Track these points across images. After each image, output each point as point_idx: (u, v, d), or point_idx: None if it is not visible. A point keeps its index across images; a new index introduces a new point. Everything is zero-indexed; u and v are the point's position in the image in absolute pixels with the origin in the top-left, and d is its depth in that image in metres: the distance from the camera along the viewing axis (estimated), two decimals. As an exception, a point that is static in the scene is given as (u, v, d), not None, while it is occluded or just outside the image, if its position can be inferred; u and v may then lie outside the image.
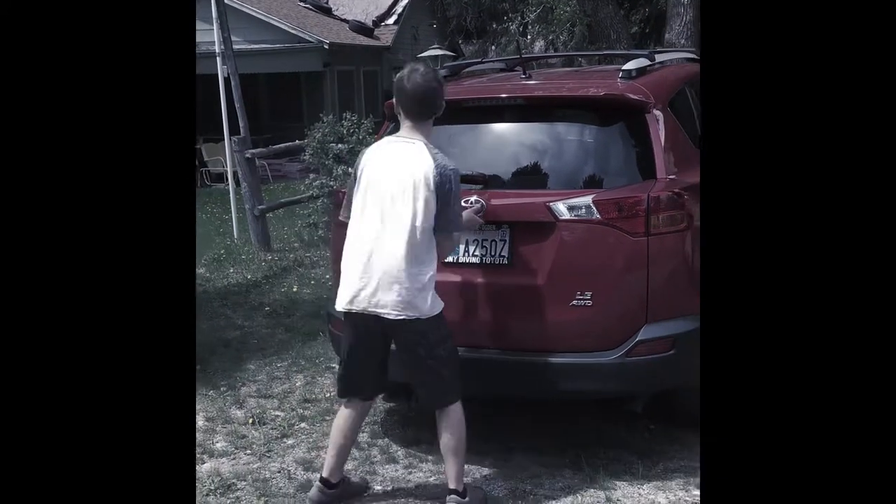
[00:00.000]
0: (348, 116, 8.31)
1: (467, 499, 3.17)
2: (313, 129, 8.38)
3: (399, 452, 3.78)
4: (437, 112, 3.16)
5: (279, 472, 3.64)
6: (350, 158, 7.96)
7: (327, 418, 4.18)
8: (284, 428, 4.08)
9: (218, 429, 4.09)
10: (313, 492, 3.30)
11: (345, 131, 8.14)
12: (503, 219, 3.49)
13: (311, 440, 3.94)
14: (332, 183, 7.96)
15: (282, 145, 9.35)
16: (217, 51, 8.87)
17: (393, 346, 3.22)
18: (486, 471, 3.54)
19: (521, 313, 3.45)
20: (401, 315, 3.04)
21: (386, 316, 3.05)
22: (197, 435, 4.00)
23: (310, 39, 16.28)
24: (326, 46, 16.25)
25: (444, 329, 3.15)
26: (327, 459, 3.32)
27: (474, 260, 3.51)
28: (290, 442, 3.94)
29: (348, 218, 3.19)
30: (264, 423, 4.13)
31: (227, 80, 8.43)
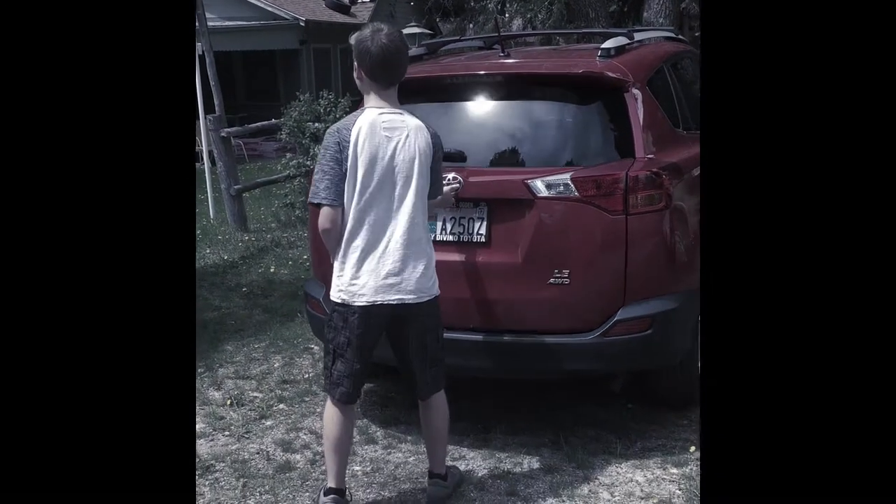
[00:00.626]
0: (325, 95, 8.24)
1: (448, 481, 3.17)
2: (290, 107, 8.30)
3: (378, 433, 3.78)
4: (402, 78, 2.92)
5: (258, 453, 3.62)
6: (327, 137, 7.93)
7: (306, 399, 4.17)
8: (263, 409, 4.06)
9: (196, 410, 4.06)
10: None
11: (322, 110, 8.06)
12: (481, 196, 3.47)
13: (289, 421, 3.93)
14: (308, 162, 7.90)
15: (258, 124, 9.26)
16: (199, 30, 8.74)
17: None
18: (465, 451, 3.55)
19: (497, 292, 3.44)
20: (424, 297, 2.89)
21: (412, 301, 2.87)
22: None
23: (285, 17, 16.10)
24: (302, 24, 16.08)
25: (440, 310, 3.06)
26: (338, 468, 3.04)
27: (451, 238, 3.49)
28: (268, 423, 3.93)
29: (340, 203, 2.84)
30: (242, 405, 4.12)
31: (201, 58, 8.31)
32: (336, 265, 2.94)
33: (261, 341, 5.03)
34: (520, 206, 3.40)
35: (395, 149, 2.82)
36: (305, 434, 3.79)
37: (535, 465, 3.41)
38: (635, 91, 3.63)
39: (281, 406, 4.11)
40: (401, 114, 2.88)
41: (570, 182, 3.33)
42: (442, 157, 3.01)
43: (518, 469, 3.38)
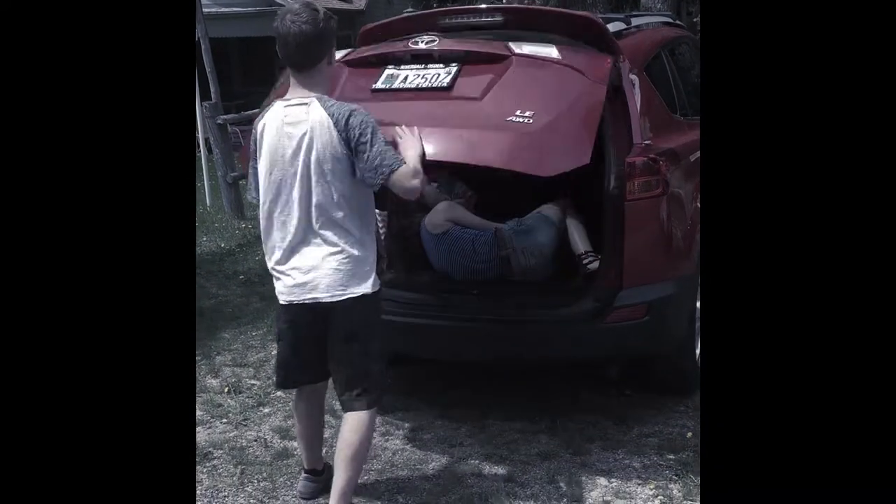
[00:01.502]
0: (322, 81, 8.20)
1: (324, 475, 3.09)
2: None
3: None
4: (315, 61, 2.70)
5: (255, 440, 3.63)
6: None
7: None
8: (260, 396, 4.07)
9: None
10: (302, 485, 3.14)
11: (318, 97, 8.04)
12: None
13: (287, 409, 3.93)
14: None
15: (254, 111, 9.20)
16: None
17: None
18: (462, 437, 3.55)
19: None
20: (340, 296, 2.77)
21: (327, 300, 2.77)
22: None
23: (282, 3, 16.00)
24: (299, 10, 15.97)
25: None
26: (303, 452, 3.14)
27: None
28: (266, 410, 3.93)
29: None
30: (240, 392, 4.12)
31: (196, 45, 8.27)
32: None
33: (258, 329, 5.03)
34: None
35: (297, 146, 2.67)
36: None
37: (532, 451, 3.42)
38: (632, 77, 3.61)
39: (278, 393, 4.10)
40: (306, 104, 2.67)
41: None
42: (371, 133, 2.64)
43: (515, 455, 3.39)
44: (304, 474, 3.16)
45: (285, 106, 2.70)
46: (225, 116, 8.30)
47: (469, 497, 3.08)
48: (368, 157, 2.64)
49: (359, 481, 3.23)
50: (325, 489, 3.04)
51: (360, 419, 2.84)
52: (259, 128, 2.77)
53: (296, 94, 2.71)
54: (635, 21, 4.28)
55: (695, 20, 11.00)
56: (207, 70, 8.19)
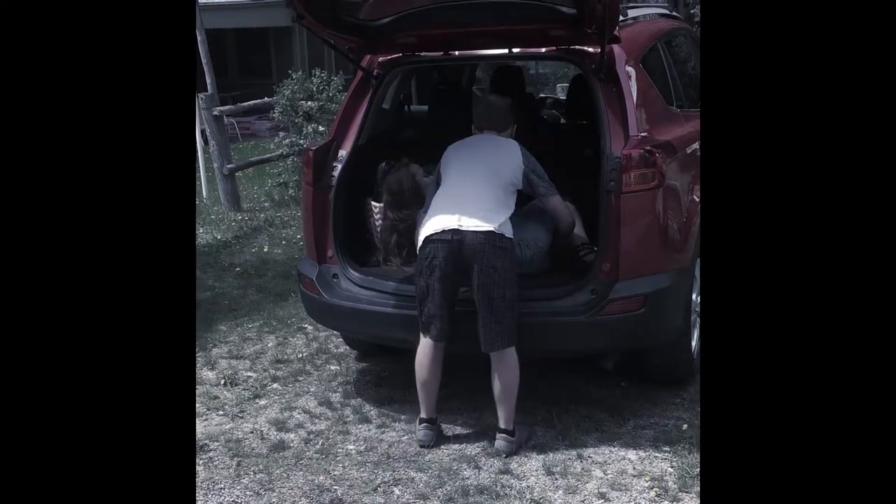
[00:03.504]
0: (318, 73, 8.17)
1: (515, 437, 3.34)
2: (282, 86, 8.23)
3: (372, 412, 3.79)
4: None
5: (252, 432, 3.63)
6: (320, 116, 7.84)
7: (299, 379, 4.17)
8: (257, 388, 4.07)
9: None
10: (422, 433, 3.43)
11: (314, 88, 7.99)
12: None
13: (283, 401, 3.93)
14: (301, 141, 7.84)
15: (250, 103, 9.19)
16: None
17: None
18: (457, 429, 3.56)
19: None
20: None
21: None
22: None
23: (278, -7, 15.93)
24: (295, 1, 15.90)
25: None
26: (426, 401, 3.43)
27: None
28: (262, 402, 3.93)
29: None
30: (236, 384, 4.12)
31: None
32: None
33: (254, 321, 5.03)
34: None
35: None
36: (299, 413, 3.80)
37: (528, 443, 3.42)
38: (629, 68, 3.60)
39: (275, 385, 4.11)
40: None
41: None
42: None
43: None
44: (423, 423, 3.44)
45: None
46: (221, 108, 8.28)
47: (465, 489, 3.09)
48: None
49: (356, 474, 3.25)
50: (440, 436, 3.45)
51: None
52: None
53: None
54: (632, 13, 4.27)
55: (692, 12, 10.96)
56: (203, 61, 8.14)
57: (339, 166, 3.82)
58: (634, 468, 3.21)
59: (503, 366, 3.32)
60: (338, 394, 3.99)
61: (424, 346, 3.39)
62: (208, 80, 8.14)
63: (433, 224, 3.32)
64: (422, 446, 3.41)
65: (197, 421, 3.72)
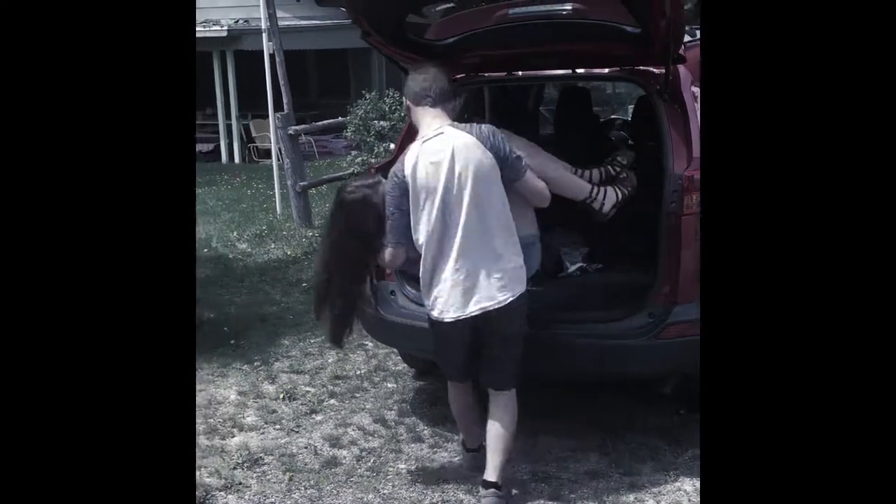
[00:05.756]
0: (390, 93, 8.27)
1: (503, 492, 3.04)
2: (356, 105, 8.36)
3: (425, 431, 3.78)
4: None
5: (306, 447, 3.66)
6: (392, 135, 7.94)
7: (356, 395, 4.19)
8: (314, 404, 4.10)
9: (249, 403, 4.13)
10: (467, 461, 3.35)
11: (387, 108, 8.09)
12: None
13: (339, 417, 3.96)
14: (373, 160, 7.94)
15: (324, 122, 9.38)
16: (263, 27, 8.88)
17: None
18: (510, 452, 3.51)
19: None
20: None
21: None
22: (229, 409, 4.05)
23: (358, 16, 16.21)
24: (375, 22, 16.16)
25: None
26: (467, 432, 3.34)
27: None
28: (318, 418, 3.96)
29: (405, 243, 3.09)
30: (294, 399, 4.16)
31: (272, 57, 8.45)
32: None
33: (317, 336, 5.08)
34: None
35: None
36: (353, 430, 3.81)
37: (581, 469, 3.35)
38: (694, 89, 3.53)
39: (332, 401, 4.14)
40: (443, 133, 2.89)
41: None
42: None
43: (563, 474, 3.33)
44: (468, 451, 3.33)
45: (423, 142, 2.89)
46: (296, 127, 8.45)
47: (514, 514, 3.04)
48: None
49: (405, 494, 3.24)
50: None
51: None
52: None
53: (429, 130, 2.90)
54: (698, 33, 4.18)
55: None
56: (281, 82, 8.34)
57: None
58: (690, 500, 3.11)
59: (506, 407, 3.05)
60: (393, 412, 3.99)
61: (451, 387, 3.24)
62: (285, 100, 8.33)
63: (441, 305, 2.94)
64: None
65: (254, 434, 3.78)
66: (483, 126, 2.89)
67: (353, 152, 8.60)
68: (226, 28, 13.39)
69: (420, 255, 2.98)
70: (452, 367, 3.20)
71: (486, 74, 4.19)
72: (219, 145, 14.49)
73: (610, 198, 3.29)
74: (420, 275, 3.01)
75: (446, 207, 2.85)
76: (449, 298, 2.91)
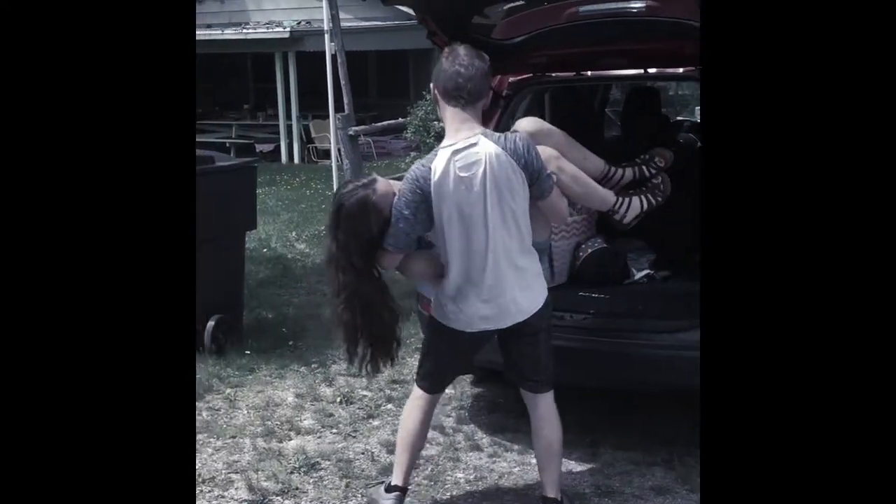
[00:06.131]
0: (451, 94, 8.23)
1: None
2: (416, 107, 8.33)
3: (484, 440, 3.69)
4: (488, 93, 2.86)
5: (363, 453, 3.61)
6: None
7: (414, 400, 4.13)
8: (371, 408, 4.05)
9: (306, 406, 4.10)
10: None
11: (448, 109, 8.06)
12: None
13: (396, 422, 3.88)
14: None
15: (383, 123, 9.37)
16: (325, 28, 8.92)
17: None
18: (571, 464, 3.41)
19: None
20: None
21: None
22: (286, 411, 4.03)
23: (419, 17, 16.21)
24: (436, 24, 16.15)
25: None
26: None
27: None
28: (375, 423, 3.91)
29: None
30: (352, 403, 4.12)
31: (333, 58, 8.47)
32: None
33: (375, 339, 5.04)
34: None
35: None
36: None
37: (646, 484, 3.23)
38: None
39: (388, 406, 4.09)
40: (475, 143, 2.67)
41: None
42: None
43: (627, 488, 3.21)
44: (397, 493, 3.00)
45: (453, 151, 2.66)
46: (356, 128, 8.45)
47: (575, 529, 2.94)
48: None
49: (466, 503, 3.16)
50: None
51: None
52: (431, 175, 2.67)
53: (460, 135, 2.69)
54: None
55: None
56: (342, 83, 8.36)
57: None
58: (762, 522, 2.96)
59: (550, 413, 2.91)
60: (451, 418, 3.92)
61: (420, 399, 3.01)
62: (346, 101, 8.34)
63: (466, 319, 2.82)
64: None
65: (311, 438, 3.74)
66: (518, 139, 2.68)
67: (413, 153, 8.58)
68: (288, 29, 13.51)
69: (430, 268, 2.87)
70: (440, 375, 3.03)
71: (552, 74, 4.09)
72: (279, 145, 14.64)
73: (634, 208, 3.06)
74: (444, 287, 2.83)
75: (474, 224, 2.69)
76: (475, 315, 2.79)
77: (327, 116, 9.33)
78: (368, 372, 3.03)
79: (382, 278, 2.88)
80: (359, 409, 4.06)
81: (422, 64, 17.32)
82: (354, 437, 3.77)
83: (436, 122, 8.06)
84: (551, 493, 2.93)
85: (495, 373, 4.14)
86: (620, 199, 3.04)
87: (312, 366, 4.60)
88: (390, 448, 3.62)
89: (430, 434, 3.74)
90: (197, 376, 4.41)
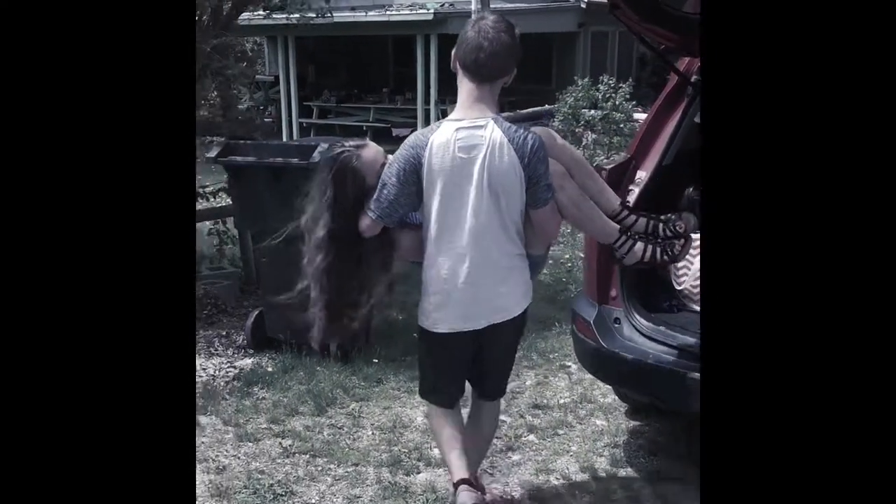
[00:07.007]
0: (605, 80, 7.54)
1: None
2: (565, 93, 7.72)
3: (644, 491, 3.12)
4: (511, 71, 2.60)
5: (501, 496, 3.10)
6: (604, 126, 7.24)
7: (559, 432, 3.59)
8: (510, 438, 3.54)
9: (437, 429, 3.63)
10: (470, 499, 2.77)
11: (600, 96, 7.38)
12: None
13: (539, 458, 3.37)
14: (580, 151, 7.29)
15: (529, 110, 8.80)
16: (473, 9, 8.42)
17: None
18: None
19: None
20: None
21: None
22: (414, 436, 3.58)
23: (572, -1, 15.55)
24: (584, 6, 15.44)
25: None
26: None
27: None
28: (515, 458, 3.39)
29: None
30: (488, 430, 3.62)
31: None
32: None
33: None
34: None
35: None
36: (557, 478, 3.22)
37: None
38: None
39: (530, 437, 3.56)
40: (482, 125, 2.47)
41: None
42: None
43: None
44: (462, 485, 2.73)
45: (457, 128, 2.49)
46: (500, 115, 7.95)
47: None
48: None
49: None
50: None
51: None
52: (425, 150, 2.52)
53: (470, 113, 2.51)
54: None
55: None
56: (484, 66, 7.87)
57: (637, 190, 3.18)
58: None
59: (495, 415, 2.95)
60: (603, 458, 3.36)
61: (443, 414, 2.79)
62: (488, 86, 7.85)
63: (446, 316, 2.62)
64: None
65: (441, 472, 3.27)
66: (530, 136, 2.46)
67: (559, 143, 8.00)
68: (432, 11, 13.15)
69: (416, 246, 2.68)
70: (448, 385, 2.78)
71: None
72: (416, 130, 14.36)
73: (634, 255, 2.68)
74: (426, 277, 2.66)
75: (460, 208, 2.51)
76: (452, 311, 2.61)
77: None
78: (314, 343, 2.82)
79: (367, 247, 2.66)
80: (496, 438, 3.55)
81: (566, 48, 16.64)
82: (492, 474, 3.26)
83: (586, 110, 7.43)
84: (473, 470, 2.81)
85: (653, 406, 3.57)
86: (625, 237, 2.69)
87: (445, 380, 4.13)
88: (534, 493, 3.11)
89: (580, 477, 3.22)
90: (321, 386, 4.04)
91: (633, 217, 2.72)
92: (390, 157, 2.61)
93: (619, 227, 2.67)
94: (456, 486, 2.69)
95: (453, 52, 2.54)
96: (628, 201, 2.97)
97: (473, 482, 2.72)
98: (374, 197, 2.55)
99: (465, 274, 2.55)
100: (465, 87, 2.53)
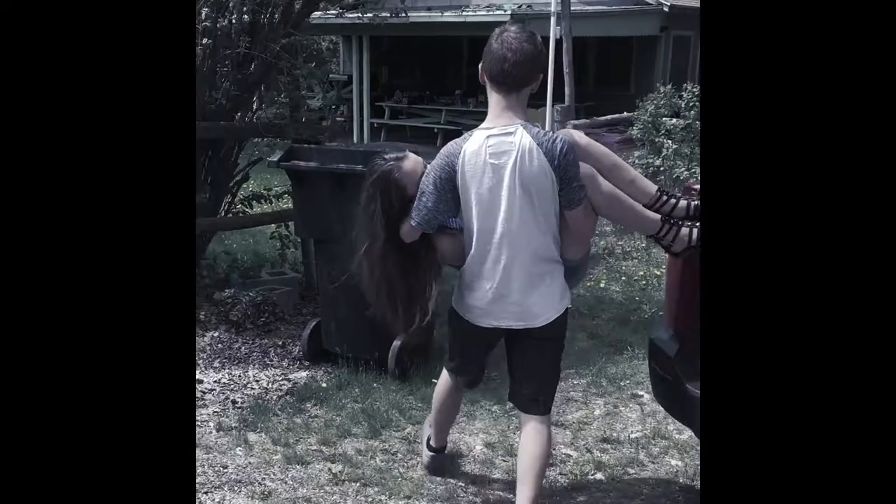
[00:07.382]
0: (689, 88, 7.17)
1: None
2: (645, 100, 7.37)
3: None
4: (536, 79, 2.68)
5: (563, 542, 2.85)
6: (684, 136, 6.87)
7: (630, 471, 3.31)
8: (576, 476, 3.27)
9: (497, 461, 3.39)
10: (432, 460, 3.27)
11: (683, 104, 7.01)
12: None
13: (607, 501, 3.09)
14: (658, 162, 6.92)
15: (607, 117, 8.49)
16: (552, 11, 8.15)
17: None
18: None
19: None
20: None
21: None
22: (472, 466, 3.34)
23: (649, 0, 15.09)
24: (666, 9, 14.95)
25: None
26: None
27: None
28: (581, 499, 3.12)
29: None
30: (551, 464, 3.35)
31: (558, 42, 7.68)
32: None
33: (581, 376, 4.25)
34: None
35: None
36: None
37: None
38: None
39: (598, 476, 3.28)
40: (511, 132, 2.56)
41: None
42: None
43: None
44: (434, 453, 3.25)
45: (488, 136, 2.58)
46: (576, 121, 7.64)
47: None
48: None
49: None
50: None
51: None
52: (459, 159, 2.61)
53: (499, 121, 2.59)
54: None
55: None
56: (565, 70, 7.58)
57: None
58: None
59: (538, 431, 2.78)
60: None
61: (450, 378, 3.05)
62: (567, 91, 7.56)
63: (479, 314, 2.74)
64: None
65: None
66: (558, 139, 2.54)
67: (637, 153, 7.61)
68: (509, 12, 12.90)
69: (456, 250, 2.77)
70: (468, 364, 3.00)
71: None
72: (487, 133, 14.11)
73: (681, 241, 2.70)
74: (461, 275, 2.78)
75: (493, 214, 2.60)
76: (481, 308, 2.73)
77: (542, 106, 8.57)
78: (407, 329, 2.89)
79: (414, 250, 2.79)
80: (560, 474, 3.30)
81: (646, 52, 16.16)
82: (554, 516, 3.01)
83: (667, 119, 7.07)
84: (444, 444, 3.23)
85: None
86: (667, 226, 2.71)
87: (507, 405, 3.87)
88: (599, 542, 2.83)
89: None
90: (376, 405, 3.84)
91: (672, 202, 2.74)
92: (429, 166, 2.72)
93: (659, 217, 2.70)
94: (431, 449, 3.23)
95: (480, 65, 2.62)
96: (666, 189, 2.89)
97: (441, 451, 3.24)
98: (415, 206, 2.69)
99: (497, 277, 2.65)
100: (493, 97, 2.61)
